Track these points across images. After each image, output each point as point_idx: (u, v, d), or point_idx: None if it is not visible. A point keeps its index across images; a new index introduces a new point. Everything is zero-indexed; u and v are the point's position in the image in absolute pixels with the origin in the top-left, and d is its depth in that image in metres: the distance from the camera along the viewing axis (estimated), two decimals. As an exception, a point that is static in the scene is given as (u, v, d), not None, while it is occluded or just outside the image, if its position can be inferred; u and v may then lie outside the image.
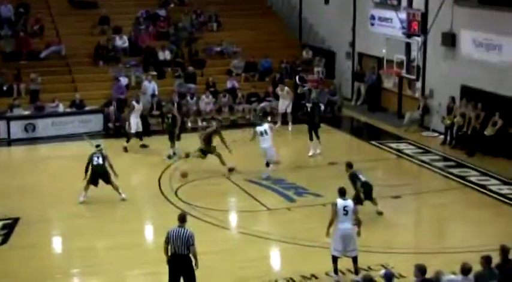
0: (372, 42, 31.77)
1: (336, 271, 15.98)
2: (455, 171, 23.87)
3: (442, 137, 27.23)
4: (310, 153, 24.71)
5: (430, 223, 20.16)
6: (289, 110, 29.37)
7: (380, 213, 19.72)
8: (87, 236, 18.48)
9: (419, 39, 28.16)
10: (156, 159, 24.89)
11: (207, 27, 36.17)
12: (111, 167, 20.61)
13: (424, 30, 27.74)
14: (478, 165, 24.13)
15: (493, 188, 22.15)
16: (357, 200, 18.41)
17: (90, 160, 20.53)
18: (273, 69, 33.56)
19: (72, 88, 30.97)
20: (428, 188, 22.64)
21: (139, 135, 26.57)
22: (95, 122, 28.60)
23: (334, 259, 15.95)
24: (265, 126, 23.15)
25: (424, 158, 25.41)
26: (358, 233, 16.10)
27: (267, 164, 23.08)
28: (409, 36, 28.41)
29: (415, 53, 28.07)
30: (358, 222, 16.14)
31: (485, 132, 24.77)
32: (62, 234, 19.08)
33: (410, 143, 27.25)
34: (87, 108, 29.24)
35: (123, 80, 30.82)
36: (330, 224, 15.92)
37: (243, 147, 25.31)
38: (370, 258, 16.79)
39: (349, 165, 19.69)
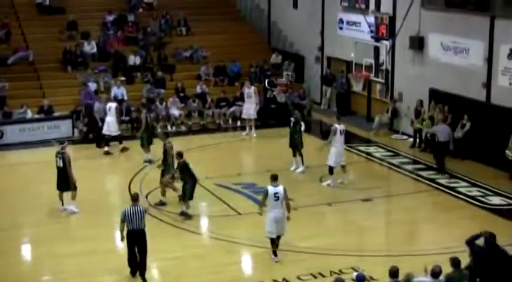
0: (341, 46, 31.90)
1: (275, 253, 17.11)
2: (424, 173, 24.02)
3: (411, 140, 27.41)
4: (291, 168, 24.21)
5: (400, 226, 20.25)
6: (254, 115, 28.91)
7: (183, 215, 19.87)
8: (57, 242, 18.35)
9: (387, 43, 28.33)
10: (127, 165, 24.77)
11: (176, 32, 36.14)
12: (70, 171, 20.09)
13: (392, 34, 27.91)
14: (447, 168, 24.28)
15: (462, 190, 22.33)
16: (183, 195, 19.80)
17: (56, 161, 20.30)
18: (242, 74, 33.60)
19: (40, 94, 30.78)
20: (399, 191, 22.79)
21: (113, 138, 26.53)
22: (64, 128, 28.35)
23: (272, 241, 17.10)
24: (342, 126, 22.87)
25: (394, 161, 25.55)
26: (288, 218, 17.10)
27: (330, 171, 22.66)
28: (377, 40, 28.56)
29: (383, 56, 28.23)
30: (287, 207, 17.04)
31: (454, 135, 24.93)
32: (32, 241, 18.92)
33: (379, 146, 27.39)
34: (55, 114, 29.03)
35: (92, 86, 30.68)
36: (262, 207, 17.26)
37: (212, 152, 25.34)
38: (341, 261, 16.88)
39: (180, 155, 19.89)
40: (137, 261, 16.09)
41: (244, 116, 29.20)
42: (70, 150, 20.84)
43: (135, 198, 16.38)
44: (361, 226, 19.70)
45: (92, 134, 27.65)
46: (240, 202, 21.15)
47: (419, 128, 26.66)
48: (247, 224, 19.52)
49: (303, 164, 24.11)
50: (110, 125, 26.32)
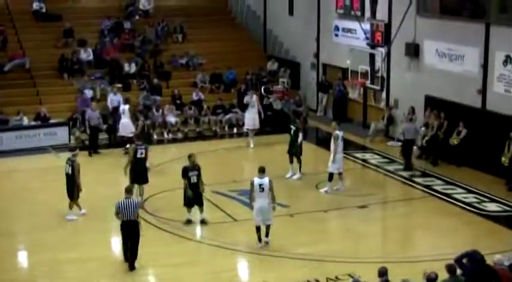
0: (336, 53, 31.92)
1: (259, 239, 18.18)
2: (420, 180, 24.03)
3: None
4: (287, 175, 24.10)
5: (396, 232, 20.25)
6: (257, 125, 28.45)
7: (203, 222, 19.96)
8: (52, 249, 18.27)
9: (383, 49, 28.35)
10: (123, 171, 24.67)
11: (172, 39, 36.15)
12: (77, 179, 20.19)
13: (387, 41, 27.94)
14: (443, 174, 24.30)
15: (458, 196, 22.31)
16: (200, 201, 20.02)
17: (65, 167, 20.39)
18: (238, 81, 33.60)
19: (37, 101, 30.74)
20: (394, 198, 22.79)
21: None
22: (61, 135, 28.28)
23: (257, 228, 18.16)
24: (342, 132, 22.80)
25: (390, 167, 25.53)
26: (273, 208, 18.17)
27: (330, 177, 22.62)
28: (373, 47, 28.57)
29: (379, 63, 28.22)
30: (273, 198, 18.09)
31: (450, 142, 24.94)
32: (28, 247, 18.84)
33: (375, 153, 27.39)
34: (52, 121, 28.97)
35: (88, 93, 30.66)
36: (250, 199, 18.26)
37: (208, 159, 25.26)
38: (337, 268, 16.85)
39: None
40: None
41: (248, 126, 28.52)
42: (67, 156, 20.84)
43: (128, 191, 17.29)
44: (357, 233, 19.67)
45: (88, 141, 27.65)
46: (236, 209, 21.12)
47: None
48: (243, 230, 19.45)
49: (300, 171, 24.07)
50: (126, 127, 26.77)
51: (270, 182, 18.04)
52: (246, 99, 28.93)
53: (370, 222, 20.72)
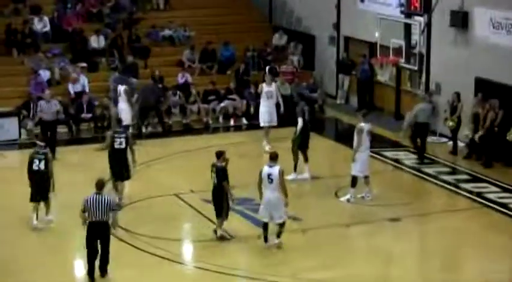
0: (362, 24, 32.03)
1: (265, 239, 19.27)
2: (468, 186, 24.15)
3: (451, 143, 27.44)
4: (299, 176, 24.28)
5: (437, 252, 20.30)
6: (275, 121, 27.95)
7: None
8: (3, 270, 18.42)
9: (421, 19, 28.43)
10: (95, 174, 24.76)
11: (151, 5, 36.26)
12: (52, 176, 20.39)
13: (427, 8, 28.01)
14: (498, 179, 24.41)
15: (517, 207, 22.48)
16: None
17: (30, 163, 20.27)
18: (236, 59, 33.71)
19: (-22, 85, 30.93)
20: (435, 209, 22.87)
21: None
22: (8, 128, 28.27)
23: (264, 226, 19.28)
24: (369, 125, 22.96)
25: (429, 170, 25.64)
26: (286, 204, 19.08)
27: (354, 182, 22.70)
28: (408, 15, 28.67)
29: (416, 37, 28.32)
30: (284, 191, 19.05)
31: (508, 138, 24.99)
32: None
33: (411, 151, 27.47)
34: (-2, 110, 29.09)
35: (44, 74, 30.74)
36: (259, 191, 19.22)
37: (198, 159, 25.38)
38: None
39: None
40: (96, 258, 17.50)
41: (264, 123, 27.93)
42: (20, 156, 21.01)
43: (100, 186, 17.53)
44: (387, 253, 19.77)
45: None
46: (233, 222, 21.14)
47: (455, 128, 26.76)
48: (242, 249, 19.62)
49: (295, 170, 24.22)
50: (122, 113, 26.77)
51: (280, 172, 19.00)
52: (261, 88, 28.24)
53: (403, 240, 20.83)
